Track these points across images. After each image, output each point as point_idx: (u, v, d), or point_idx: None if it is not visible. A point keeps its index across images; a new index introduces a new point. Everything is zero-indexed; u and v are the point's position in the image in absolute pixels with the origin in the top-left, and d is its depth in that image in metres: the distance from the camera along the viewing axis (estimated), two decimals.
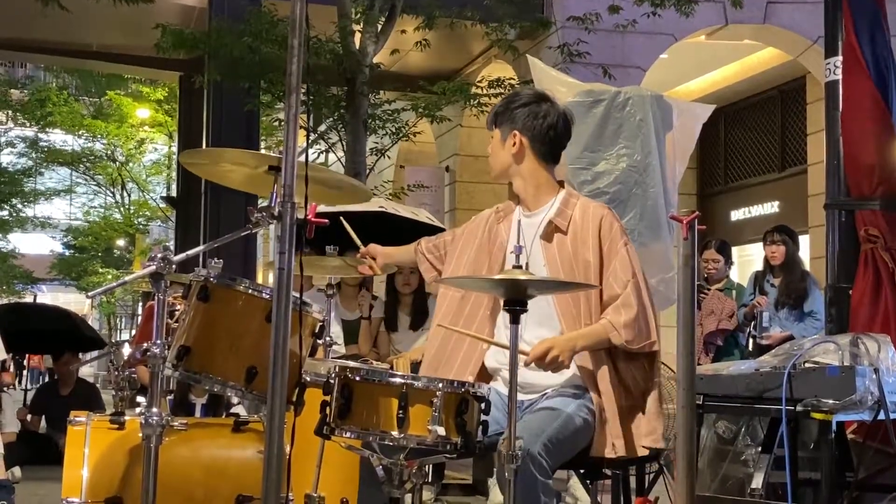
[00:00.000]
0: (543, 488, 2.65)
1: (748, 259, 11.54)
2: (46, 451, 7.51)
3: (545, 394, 2.96)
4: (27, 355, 11.16)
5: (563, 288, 2.91)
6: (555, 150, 3.10)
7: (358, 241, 3.41)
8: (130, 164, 24.53)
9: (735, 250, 7.95)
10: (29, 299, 23.15)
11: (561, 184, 3.16)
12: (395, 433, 2.42)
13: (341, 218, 3.40)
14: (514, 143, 3.05)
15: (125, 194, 25.90)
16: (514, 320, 2.50)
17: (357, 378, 2.47)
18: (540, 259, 3.01)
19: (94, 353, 9.68)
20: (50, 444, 7.70)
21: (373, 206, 6.17)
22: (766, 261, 6.86)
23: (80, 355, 8.96)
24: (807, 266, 7.34)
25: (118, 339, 29.20)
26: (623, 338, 2.88)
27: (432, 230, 6.37)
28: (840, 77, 4.51)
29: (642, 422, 2.94)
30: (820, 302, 6.48)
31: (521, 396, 2.90)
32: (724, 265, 6.99)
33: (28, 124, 24.52)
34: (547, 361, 2.81)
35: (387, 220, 6.19)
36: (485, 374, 3.08)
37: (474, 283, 3.01)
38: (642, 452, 2.94)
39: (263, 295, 2.60)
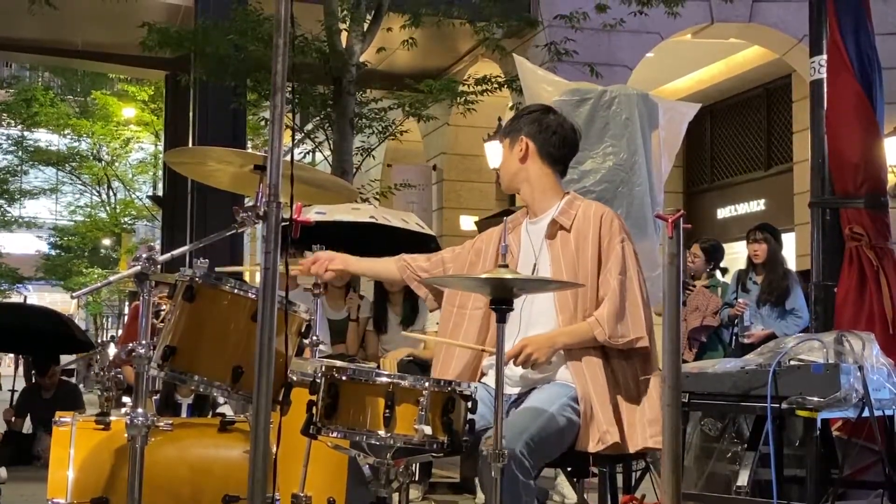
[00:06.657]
0: (524, 487, 2.66)
1: (734, 257, 11.53)
2: (30, 452, 7.51)
3: (534, 388, 2.97)
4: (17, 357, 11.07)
5: (549, 286, 2.93)
6: (560, 154, 3.14)
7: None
8: (116, 164, 24.46)
9: None
10: (15, 299, 23.05)
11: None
12: (381, 432, 2.42)
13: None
14: (521, 148, 3.13)
15: (111, 193, 25.83)
16: (501, 319, 2.51)
17: (343, 377, 2.47)
18: (546, 259, 3.05)
19: (75, 357, 9.61)
20: (33, 445, 7.69)
21: (363, 216, 6.18)
22: (749, 259, 6.92)
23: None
24: (793, 264, 7.38)
25: (105, 338, 29.08)
26: (606, 334, 2.90)
27: (423, 238, 6.36)
28: (825, 76, 4.53)
29: (638, 421, 2.94)
30: (801, 299, 6.54)
31: (509, 390, 2.93)
32: (703, 262, 7.10)
33: (13, 123, 24.40)
34: (521, 360, 2.84)
35: (378, 229, 6.20)
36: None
37: (461, 283, 3.02)
38: (637, 448, 2.94)
39: (249, 294, 2.59)
